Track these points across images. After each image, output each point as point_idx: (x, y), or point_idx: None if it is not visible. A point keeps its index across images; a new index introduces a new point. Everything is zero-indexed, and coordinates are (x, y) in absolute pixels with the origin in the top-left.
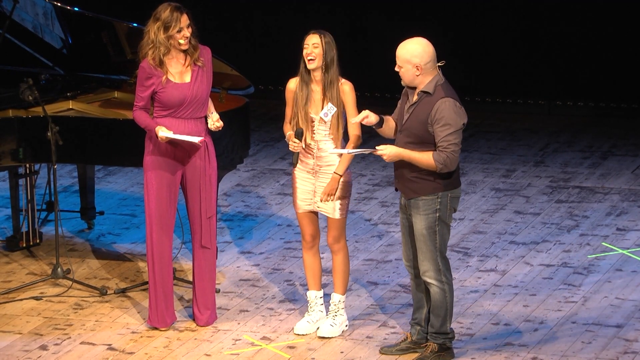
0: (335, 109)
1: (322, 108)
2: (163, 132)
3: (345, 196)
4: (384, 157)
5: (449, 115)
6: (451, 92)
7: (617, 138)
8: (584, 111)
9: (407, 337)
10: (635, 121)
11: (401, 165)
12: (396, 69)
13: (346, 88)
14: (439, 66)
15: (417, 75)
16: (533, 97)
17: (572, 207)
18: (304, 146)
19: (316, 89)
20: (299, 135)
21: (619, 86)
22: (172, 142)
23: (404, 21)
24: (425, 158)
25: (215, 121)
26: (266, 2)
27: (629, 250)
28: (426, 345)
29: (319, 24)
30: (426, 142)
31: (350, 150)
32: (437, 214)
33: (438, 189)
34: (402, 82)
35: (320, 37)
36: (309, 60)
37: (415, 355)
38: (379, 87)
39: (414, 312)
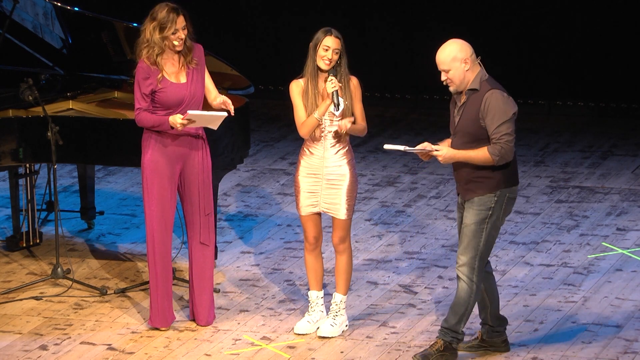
0: (347, 102)
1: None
2: (191, 112)
3: (352, 196)
4: (439, 159)
5: (497, 106)
6: (497, 85)
7: (617, 138)
8: (584, 111)
9: (478, 336)
10: (635, 121)
11: (460, 166)
12: (443, 78)
13: (355, 83)
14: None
15: (467, 70)
16: (533, 97)
17: (572, 207)
18: (315, 143)
19: (324, 85)
20: (334, 72)
21: (619, 86)
22: (172, 140)
23: (404, 21)
24: (480, 154)
25: (222, 104)
26: (266, 1)
27: (629, 250)
28: (435, 341)
29: (319, 24)
30: (481, 138)
31: (407, 148)
32: (490, 212)
33: (497, 186)
34: (451, 89)
35: (342, 42)
36: (326, 63)
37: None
38: (380, 87)
39: (480, 313)
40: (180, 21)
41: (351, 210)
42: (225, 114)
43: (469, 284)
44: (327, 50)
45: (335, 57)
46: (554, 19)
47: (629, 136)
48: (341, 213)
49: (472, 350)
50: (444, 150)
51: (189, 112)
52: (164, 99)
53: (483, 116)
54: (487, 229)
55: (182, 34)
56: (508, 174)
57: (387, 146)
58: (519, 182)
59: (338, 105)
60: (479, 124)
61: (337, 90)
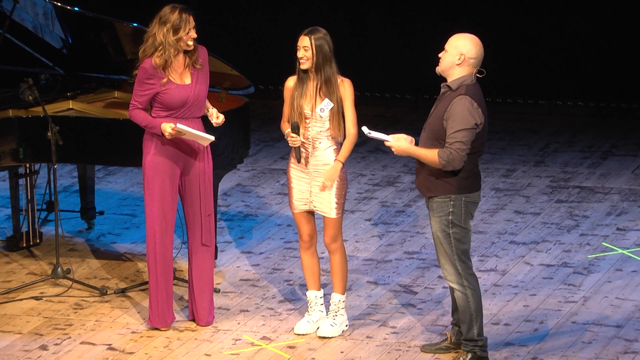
0: (332, 104)
1: (318, 104)
2: (180, 126)
3: (341, 195)
4: (393, 149)
5: (460, 113)
6: (473, 92)
7: (617, 138)
8: (584, 111)
9: (447, 337)
10: (635, 121)
11: (420, 162)
12: (440, 54)
13: (346, 85)
14: (477, 76)
15: (457, 65)
16: (533, 97)
17: (572, 207)
18: (302, 139)
19: (313, 85)
20: (295, 128)
21: (619, 86)
22: (173, 141)
23: (403, 21)
24: (430, 155)
25: (215, 118)
26: (266, 1)
27: (629, 250)
28: (458, 352)
29: (319, 24)
30: (441, 138)
31: (371, 132)
32: (450, 217)
33: (451, 191)
34: (436, 69)
35: (311, 39)
36: (301, 62)
37: (455, 355)
38: (379, 87)
39: (453, 313)
40: (192, 20)
41: (341, 208)
42: (213, 138)
43: (461, 289)
44: (298, 50)
45: (307, 53)
46: (554, 18)
47: (629, 136)
48: (331, 212)
49: (441, 352)
50: (398, 143)
51: (179, 125)
52: (168, 99)
53: (446, 118)
54: (452, 233)
55: (194, 33)
56: (464, 180)
57: (365, 129)
58: (481, 188)
59: (299, 159)
60: (442, 123)
61: (299, 146)
